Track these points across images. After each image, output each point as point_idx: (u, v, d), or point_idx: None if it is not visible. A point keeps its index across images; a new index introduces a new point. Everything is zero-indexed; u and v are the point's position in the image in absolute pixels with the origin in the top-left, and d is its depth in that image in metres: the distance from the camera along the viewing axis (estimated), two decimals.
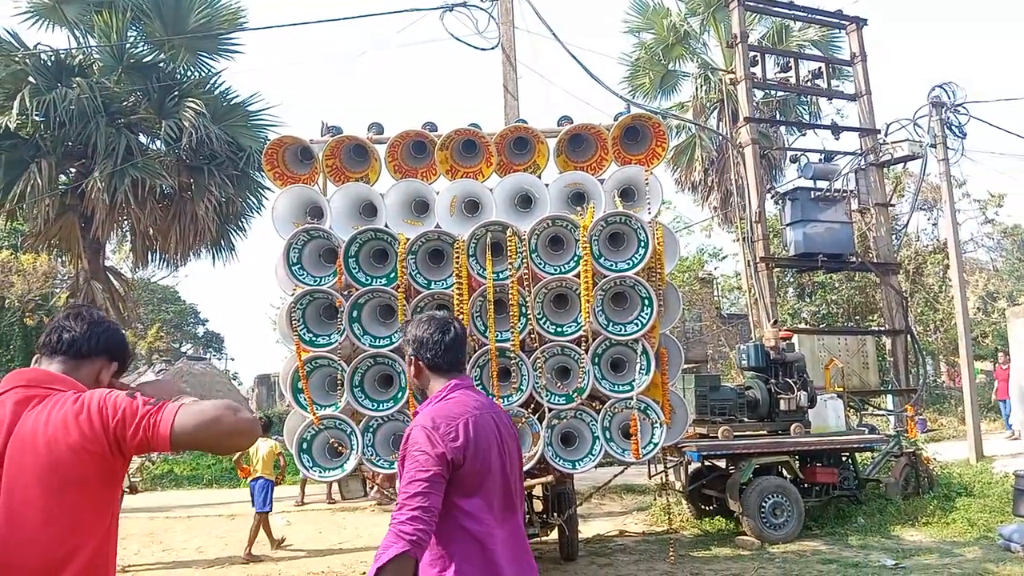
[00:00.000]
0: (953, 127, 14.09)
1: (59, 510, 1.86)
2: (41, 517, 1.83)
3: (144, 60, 15.02)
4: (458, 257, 5.88)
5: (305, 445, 6.03)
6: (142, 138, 15.30)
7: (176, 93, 14.60)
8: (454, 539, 2.36)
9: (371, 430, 6.02)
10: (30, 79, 13.69)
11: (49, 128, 13.79)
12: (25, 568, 1.83)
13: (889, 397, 14.73)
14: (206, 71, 15.86)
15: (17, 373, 2.05)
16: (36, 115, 13.54)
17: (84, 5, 14.63)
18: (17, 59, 13.92)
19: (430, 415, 2.41)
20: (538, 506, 7.37)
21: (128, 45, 14.64)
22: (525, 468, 5.85)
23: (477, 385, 5.82)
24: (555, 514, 7.14)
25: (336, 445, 6.02)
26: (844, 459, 9.48)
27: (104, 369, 2.14)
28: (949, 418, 17.86)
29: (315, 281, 6.06)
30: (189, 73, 15.64)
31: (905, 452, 9.95)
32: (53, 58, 14.29)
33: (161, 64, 15.19)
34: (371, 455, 5.99)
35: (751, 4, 15.11)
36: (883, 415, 14.13)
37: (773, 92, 16.86)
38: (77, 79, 13.71)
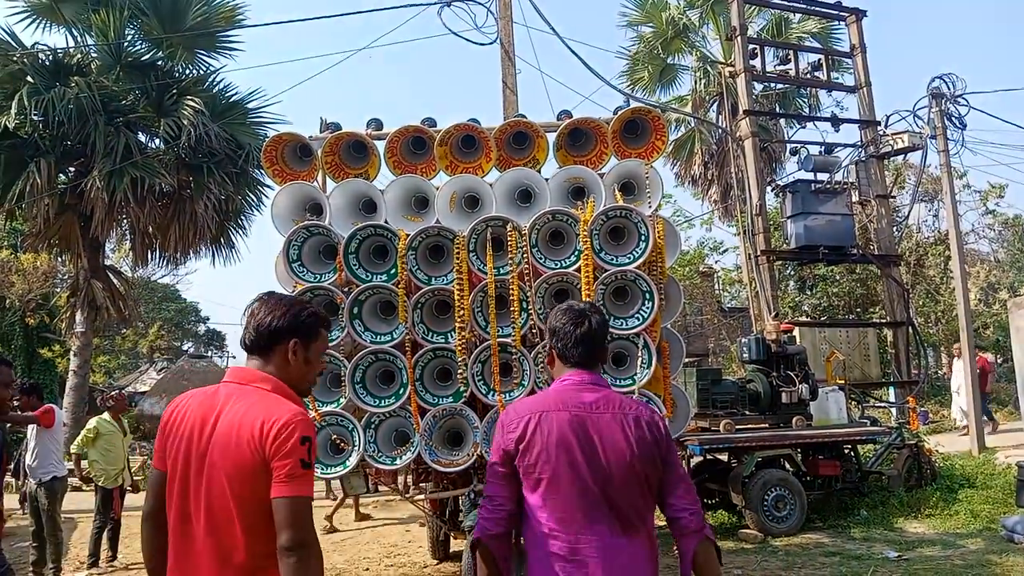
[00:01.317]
0: (953, 118, 14.07)
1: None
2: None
3: (142, 58, 15.01)
4: (458, 253, 5.86)
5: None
6: (141, 137, 15.30)
7: (174, 91, 14.59)
8: (526, 528, 2.40)
9: (373, 426, 6.01)
10: (28, 79, 13.68)
11: (48, 127, 13.79)
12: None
13: (891, 389, 14.73)
14: (204, 69, 15.86)
15: (233, 369, 2.34)
16: (35, 115, 13.53)
17: (81, 4, 14.61)
18: (15, 59, 13.91)
19: (509, 407, 2.51)
20: None
21: (126, 44, 14.63)
22: None
23: (478, 381, 5.84)
24: None
25: (338, 442, 6.02)
26: (846, 452, 9.47)
27: (291, 350, 2.30)
28: (951, 410, 17.85)
29: (315, 278, 6.05)
30: (187, 71, 15.64)
31: (907, 444, 9.95)
32: (51, 57, 14.28)
33: (159, 62, 15.18)
34: (373, 451, 5.98)
35: None
36: (885, 407, 14.13)
37: (772, 85, 16.83)
38: (75, 78, 13.70)
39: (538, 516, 2.33)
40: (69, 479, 7.92)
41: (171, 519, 2.20)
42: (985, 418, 15.74)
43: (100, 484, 8.08)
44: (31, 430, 7.49)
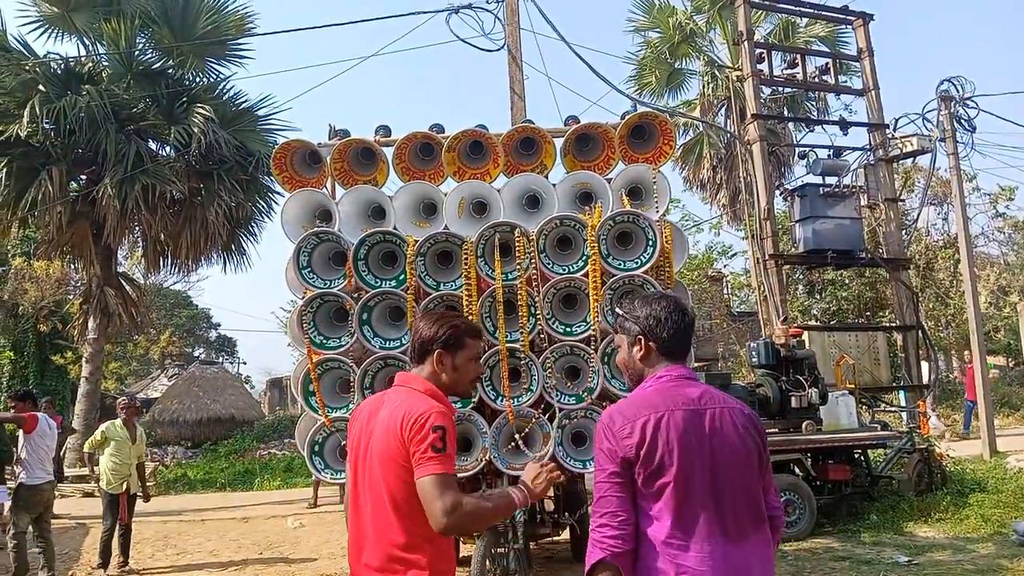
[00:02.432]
0: (962, 121, 14.02)
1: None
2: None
3: (153, 67, 15.14)
4: (467, 258, 5.89)
5: (317, 447, 6.06)
6: (152, 144, 15.42)
7: (185, 99, 14.71)
8: (640, 543, 2.20)
9: None
10: (40, 87, 13.81)
11: (59, 136, 13.91)
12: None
13: (901, 393, 14.67)
14: (215, 76, 15.98)
15: (398, 375, 2.67)
16: (46, 123, 13.66)
17: (93, 13, 14.75)
18: (27, 68, 14.04)
19: (611, 411, 2.30)
20: (549, 506, 7.39)
21: (137, 52, 14.75)
22: None
23: (487, 386, 5.86)
24: (566, 514, 7.14)
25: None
26: (856, 456, 9.45)
27: (437, 359, 2.58)
28: (962, 413, 17.77)
29: (325, 284, 6.09)
30: (198, 79, 15.76)
31: (918, 448, 9.91)
32: (63, 66, 14.42)
33: (170, 70, 15.31)
34: None
35: (756, 1, 15.06)
36: (895, 411, 14.07)
37: (781, 89, 16.81)
38: (86, 86, 13.82)
39: (657, 524, 2.17)
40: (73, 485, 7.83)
41: (350, 504, 2.57)
42: (962, 428, 15.72)
43: (105, 489, 8.13)
44: (21, 435, 7.54)
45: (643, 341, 2.36)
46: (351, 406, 5.99)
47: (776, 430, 9.09)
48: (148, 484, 9.12)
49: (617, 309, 2.51)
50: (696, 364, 8.67)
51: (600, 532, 2.16)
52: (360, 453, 2.54)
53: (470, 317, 5.78)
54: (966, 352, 15.83)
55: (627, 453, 2.17)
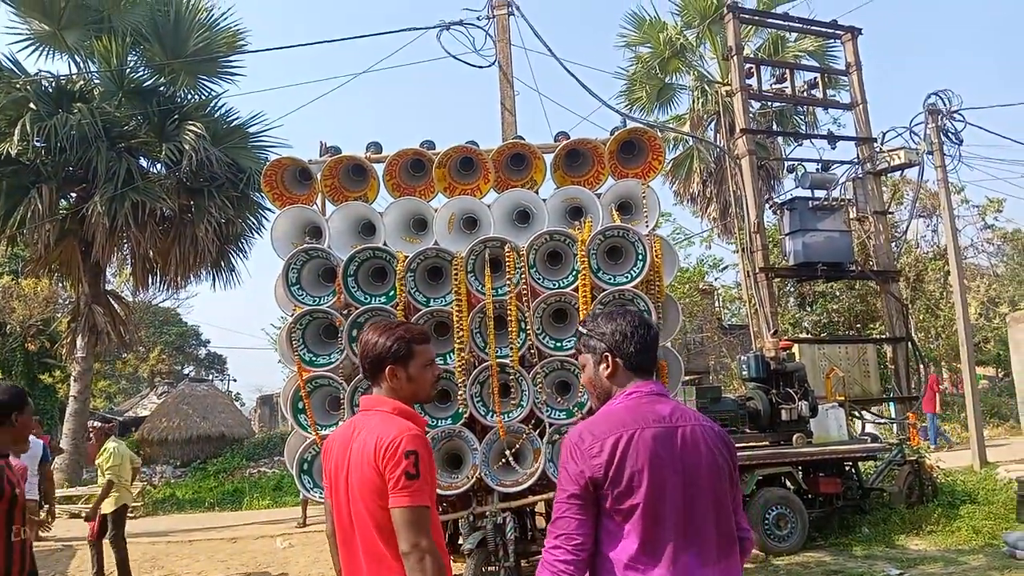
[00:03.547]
0: (950, 134, 14.14)
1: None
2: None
3: (144, 84, 15.15)
4: (457, 274, 5.90)
5: (306, 466, 6.04)
6: (143, 162, 15.43)
7: (176, 116, 14.72)
8: (599, 567, 2.13)
9: None
10: (31, 105, 13.81)
11: (50, 154, 13.89)
12: None
13: (891, 405, 14.70)
14: (206, 94, 16.00)
15: (362, 399, 2.62)
16: (37, 141, 13.64)
17: (84, 31, 14.77)
18: (18, 86, 14.04)
19: (580, 428, 2.19)
20: (541, 523, 7.36)
21: (128, 70, 14.76)
22: (525, 485, 5.85)
23: (477, 402, 5.85)
24: None
25: None
26: (847, 469, 9.45)
27: (391, 375, 2.52)
28: (952, 425, 17.81)
29: (314, 301, 6.08)
30: (189, 96, 15.78)
31: (908, 460, 9.92)
32: (54, 84, 14.42)
33: (161, 88, 15.33)
34: None
35: (746, 16, 15.19)
36: (885, 423, 14.10)
37: (770, 103, 16.93)
38: (78, 104, 13.82)
39: (622, 544, 2.08)
40: None
41: (338, 534, 2.51)
42: (941, 439, 15.72)
43: None
44: None
45: (610, 358, 2.28)
46: (341, 423, 5.98)
47: (767, 443, 9.10)
48: (137, 504, 8.94)
49: (580, 328, 2.44)
50: (687, 377, 8.66)
51: (552, 554, 2.08)
52: (340, 487, 2.47)
53: (460, 333, 5.79)
54: (921, 366, 15.82)
55: (595, 473, 2.08)
